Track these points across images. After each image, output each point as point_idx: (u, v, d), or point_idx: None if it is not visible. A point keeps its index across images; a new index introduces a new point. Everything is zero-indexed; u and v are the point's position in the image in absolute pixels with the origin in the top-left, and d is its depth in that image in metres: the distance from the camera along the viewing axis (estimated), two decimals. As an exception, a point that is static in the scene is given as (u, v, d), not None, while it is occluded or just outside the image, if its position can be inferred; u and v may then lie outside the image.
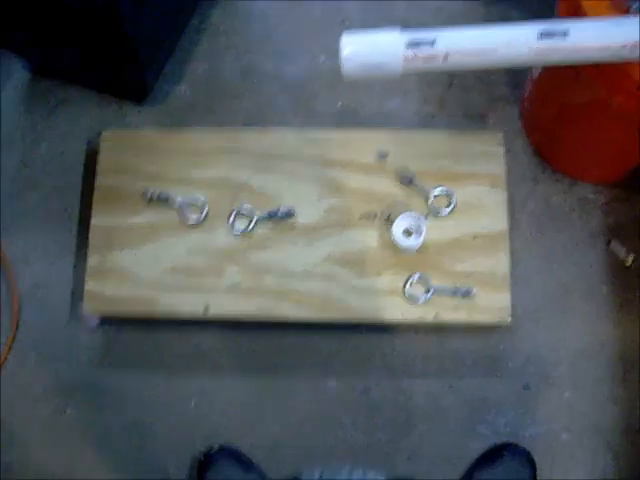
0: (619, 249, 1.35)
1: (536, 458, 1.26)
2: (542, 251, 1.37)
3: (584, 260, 1.36)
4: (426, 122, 1.43)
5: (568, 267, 1.36)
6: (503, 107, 1.43)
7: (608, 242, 1.36)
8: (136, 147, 1.34)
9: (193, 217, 1.29)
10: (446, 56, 0.98)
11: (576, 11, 1.07)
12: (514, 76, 1.43)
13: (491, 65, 1.00)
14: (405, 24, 1.43)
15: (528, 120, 1.41)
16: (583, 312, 1.34)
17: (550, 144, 1.39)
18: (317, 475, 0.65)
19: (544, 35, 0.97)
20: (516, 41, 0.98)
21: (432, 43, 0.98)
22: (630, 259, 1.35)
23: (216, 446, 1.29)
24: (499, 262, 1.26)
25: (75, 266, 1.39)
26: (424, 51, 0.99)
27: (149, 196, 1.29)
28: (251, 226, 1.28)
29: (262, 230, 1.29)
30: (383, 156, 1.30)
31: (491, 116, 1.43)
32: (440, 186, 1.28)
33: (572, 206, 1.38)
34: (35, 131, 1.47)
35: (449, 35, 0.99)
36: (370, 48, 1.00)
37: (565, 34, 0.97)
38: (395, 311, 1.25)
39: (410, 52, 0.99)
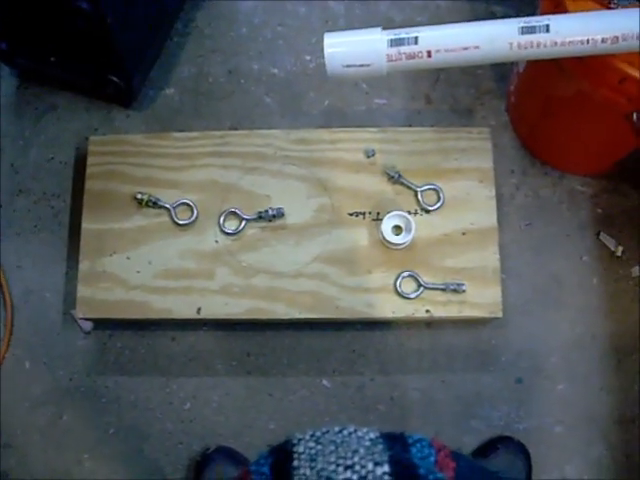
0: (609, 240, 1.36)
1: (530, 450, 1.27)
2: (532, 244, 1.37)
3: (574, 252, 1.37)
4: (413, 118, 1.44)
5: (558, 259, 1.37)
6: (490, 101, 1.44)
7: (597, 233, 1.37)
8: (124, 152, 1.34)
9: (183, 220, 1.29)
10: (429, 53, 0.99)
11: (558, 6, 1.07)
12: (500, 70, 1.44)
13: (475, 62, 1.01)
14: (390, 22, 1.47)
15: (515, 113, 1.42)
16: (574, 304, 1.35)
17: (537, 137, 1.39)
18: (309, 433, 0.67)
19: (525, 30, 0.98)
20: (498, 37, 0.99)
21: (415, 41, 0.99)
22: (620, 250, 1.35)
23: (213, 446, 1.30)
24: (489, 257, 1.26)
25: (67, 272, 1.39)
26: (407, 49, 0.99)
27: (139, 200, 1.29)
28: (241, 227, 1.29)
29: (252, 231, 1.29)
30: (371, 154, 1.30)
31: (478, 110, 1.44)
32: (428, 183, 1.29)
33: (561, 198, 1.39)
34: (24, 137, 1.47)
35: (431, 33, 1.00)
36: (353, 47, 1.01)
37: (546, 29, 0.98)
38: (386, 308, 1.25)
39: (393, 50, 0.99)
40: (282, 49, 1.49)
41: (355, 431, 0.66)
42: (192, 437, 1.32)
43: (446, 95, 1.45)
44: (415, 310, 1.25)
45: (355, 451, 0.61)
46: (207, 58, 1.50)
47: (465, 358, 1.33)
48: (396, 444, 0.66)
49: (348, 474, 0.59)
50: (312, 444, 0.65)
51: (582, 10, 1.03)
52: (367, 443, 0.64)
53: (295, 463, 0.63)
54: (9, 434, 1.34)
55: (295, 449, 0.65)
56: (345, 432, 0.66)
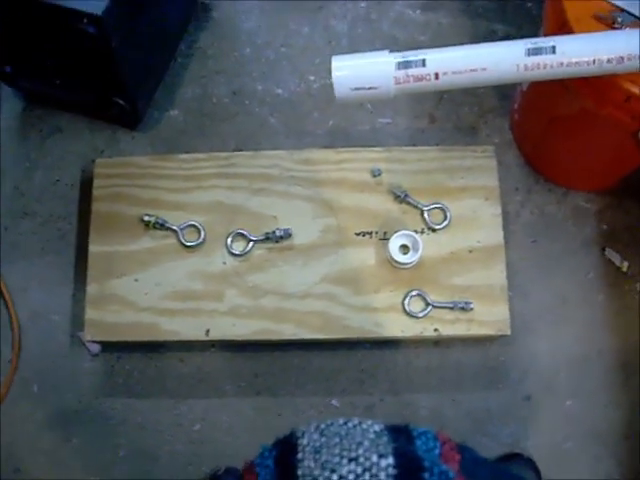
0: (614, 256, 1.37)
1: (540, 467, 1.27)
2: (538, 261, 1.38)
3: (580, 268, 1.37)
4: (417, 137, 1.45)
5: (564, 276, 1.37)
6: (493, 119, 1.45)
7: (603, 249, 1.38)
8: (131, 174, 1.35)
9: (191, 241, 1.29)
10: (437, 76, 1.00)
11: (562, 26, 1.08)
12: (503, 88, 1.44)
13: (482, 83, 1.02)
14: (393, 41, 1.48)
15: (519, 132, 1.43)
16: (581, 320, 1.35)
17: (541, 155, 1.40)
18: (313, 425, 0.67)
19: (532, 52, 0.99)
20: (505, 59, 1.00)
21: (422, 63, 0.99)
22: (625, 265, 1.36)
23: (222, 468, 1.29)
24: (496, 274, 1.27)
25: (74, 294, 1.39)
26: (415, 72, 1.00)
27: (146, 222, 1.30)
28: (248, 248, 1.29)
29: (259, 252, 1.30)
30: (377, 174, 1.31)
31: (482, 128, 1.45)
32: (434, 201, 1.29)
33: (566, 215, 1.40)
34: (29, 159, 1.48)
35: (439, 55, 1.00)
36: (361, 71, 1.01)
37: (552, 50, 0.99)
38: (395, 327, 1.25)
39: (401, 73, 1.00)
40: (286, 69, 1.50)
41: (360, 423, 0.66)
42: (202, 458, 1.32)
43: (450, 114, 1.46)
44: (423, 329, 1.25)
45: (359, 443, 0.61)
46: (211, 79, 1.50)
47: (474, 376, 1.33)
48: (401, 436, 0.66)
49: (352, 466, 0.59)
50: (316, 436, 0.64)
51: (587, 31, 1.04)
52: (371, 435, 0.64)
53: (299, 455, 0.63)
54: (17, 458, 1.33)
55: (299, 441, 0.65)
56: (350, 424, 0.66)
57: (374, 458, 0.59)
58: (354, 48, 1.47)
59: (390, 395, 1.32)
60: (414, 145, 1.42)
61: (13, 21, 1.24)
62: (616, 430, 1.30)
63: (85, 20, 1.15)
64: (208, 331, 1.26)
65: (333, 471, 0.59)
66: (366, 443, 0.61)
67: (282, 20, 1.53)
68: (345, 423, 0.66)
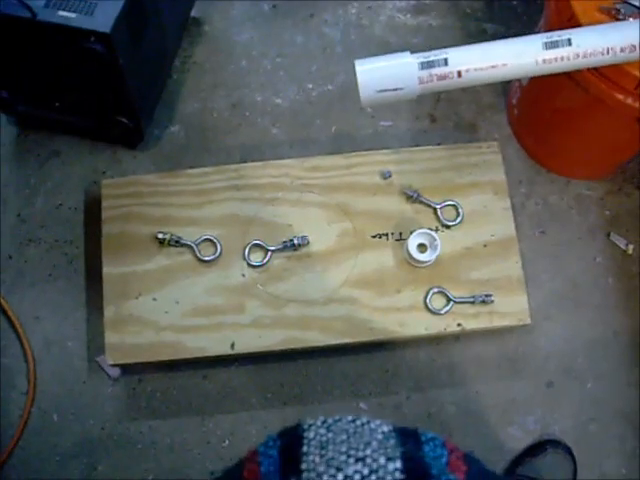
0: (619, 240, 1.41)
1: (568, 451, 1.30)
2: (546, 250, 1.41)
3: (588, 254, 1.41)
4: (419, 138, 1.47)
5: (573, 263, 1.40)
6: (492, 116, 1.48)
7: (608, 234, 1.42)
8: (140, 192, 1.33)
9: (207, 256, 1.29)
10: (459, 73, 1.02)
11: (569, 20, 1.11)
12: (499, 84, 1.48)
13: (502, 78, 1.05)
14: (386, 45, 1.50)
15: (518, 125, 1.46)
16: (593, 304, 1.38)
17: (543, 147, 1.43)
18: (320, 419, 0.65)
19: (549, 45, 1.02)
20: (524, 53, 1.02)
21: (445, 62, 1.02)
22: (631, 248, 1.40)
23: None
24: (512, 266, 1.29)
25: (88, 318, 1.37)
26: (438, 71, 1.02)
27: (161, 240, 1.28)
28: (267, 259, 1.29)
29: (278, 261, 1.30)
30: (387, 176, 1.32)
31: (481, 125, 1.48)
32: (446, 199, 1.32)
33: (570, 204, 1.43)
34: (29, 185, 1.45)
35: (460, 53, 1.03)
36: (385, 72, 1.03)
37: (568, 42, 1.02)
38: (419, 326, 1.27)
39: (425, 73, 1.02)
40: (283, 79, 1.51)
41: (368, 422, 0.65)
42: (233, 474, 1.30)
43: (449, 113, 1.48)
44: (447, 325, 1.27)
45: (367, 443, 0.60)
46: (209, 93, 1.50)
47: (496, 367, 1.35)
48: (409, 440, 0.64)
49: (359, 466, 0.57)
50: (323, 431, 0.63)
51: (592, 22, 1.08)
52: (379, 436, 0.62)
53: (304, 449, 0.61)
54: (42, 492, 1.30)
55: (305, 434, 0.63)
56: (358, 422, 0.65)
57: (382, 460, 0.58)
58: (349, 54, 1.48)
59: (416, 393, 1.33)
60: (417, 145, 1.43)
61: (11, 44, 1.22)
62: (638, 409, 1.33)
63: (92, 38, 1.13)
64: (233, 344, 1.26)
65: (339, 469, 0.57)
66: (374, 444, 0.60)
67: (275, 30, 1.54)
68: (353, 420, 0.65)
